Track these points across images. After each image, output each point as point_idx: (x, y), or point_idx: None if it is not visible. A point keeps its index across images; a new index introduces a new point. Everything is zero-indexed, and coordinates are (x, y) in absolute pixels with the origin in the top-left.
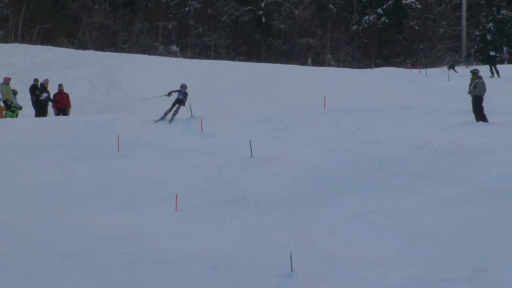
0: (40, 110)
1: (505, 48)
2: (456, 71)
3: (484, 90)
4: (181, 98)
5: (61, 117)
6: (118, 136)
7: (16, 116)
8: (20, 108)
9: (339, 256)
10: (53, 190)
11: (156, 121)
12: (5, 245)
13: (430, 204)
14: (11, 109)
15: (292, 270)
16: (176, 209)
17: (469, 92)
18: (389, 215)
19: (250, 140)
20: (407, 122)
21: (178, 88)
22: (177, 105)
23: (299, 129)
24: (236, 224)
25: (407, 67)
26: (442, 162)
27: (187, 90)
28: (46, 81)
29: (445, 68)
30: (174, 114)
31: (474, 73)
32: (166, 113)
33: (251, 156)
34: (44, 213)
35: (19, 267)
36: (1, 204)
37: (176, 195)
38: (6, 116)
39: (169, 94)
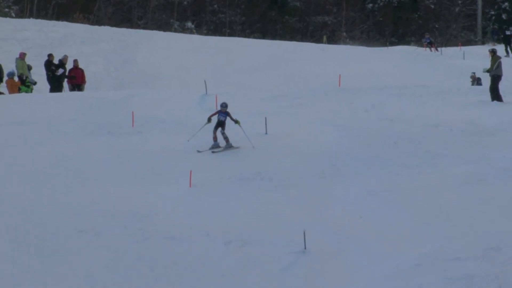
0: (56, 85)
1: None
2: (437, 50)
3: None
4: (223, 120)
5: (76, 93)
6: (133, 112)
7: (31, 91)
8: (35, 83)
9: (353, 233)
10: (68, 166)
11: (199, 151)
12: (20, 220)
13: (444, 182)
14: (26, 84)
15: (305, 248)
16: (190, 185)
17: (488, 71)
18: (404, 192)
19: (265, 117)
20: (422, 101)
21: (218, 108)
22: (220, 129)
23: (314, 107)
24: (250, 200)
25: (422, 46)
26: (457, 140)
27: (228, 109)
28: (66, 57)
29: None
30: (226, 140)
31: (495, 52)
32: (215, 139)
33: (266, 133)
34: (58, 188)
35: (34, 242)
36: (16, 179)
37: (191, 171)
38: (21, 91)
39: (209, 119)
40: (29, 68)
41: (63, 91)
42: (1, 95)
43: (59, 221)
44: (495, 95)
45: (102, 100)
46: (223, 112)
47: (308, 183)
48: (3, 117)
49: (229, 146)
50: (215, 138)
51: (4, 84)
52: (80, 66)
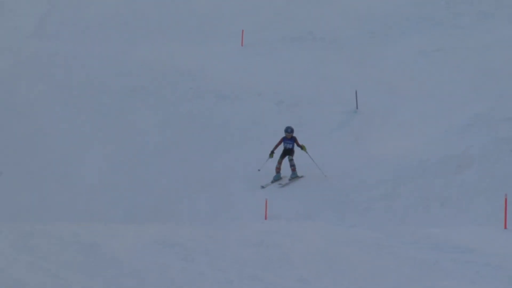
0: None
1: None
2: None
3: None
4: (290, 147)
5: None
6: None
7: None
8: None
9: (403, 93)
10: (120, 24)
11: (263, 186)
12: (72, 78)
13: (497, 43)
14: None
15: (357, 108)
16: (242, 45)
17: None
18: (455, 53)
19: None
20: None
21: (282, 135)
22: (288, 157)
23: None
24: (301, 60)
25: None
26: (509, 0)
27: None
28: None
29: None
30: (293, 168)
31: None
32: (278, 170)
33: None
34: (110, 47)
35: (86, 100)
36: (68, 38)
37: (242, 30)
38: None
39: (272, 153)
40: None
41: None
42: None
43: (110, 80)
44: None
45: None
46: (288, 138)
47: (360, 43)
48: None
49: (294, 176)
50: (278, 169)
51: None
52: None
